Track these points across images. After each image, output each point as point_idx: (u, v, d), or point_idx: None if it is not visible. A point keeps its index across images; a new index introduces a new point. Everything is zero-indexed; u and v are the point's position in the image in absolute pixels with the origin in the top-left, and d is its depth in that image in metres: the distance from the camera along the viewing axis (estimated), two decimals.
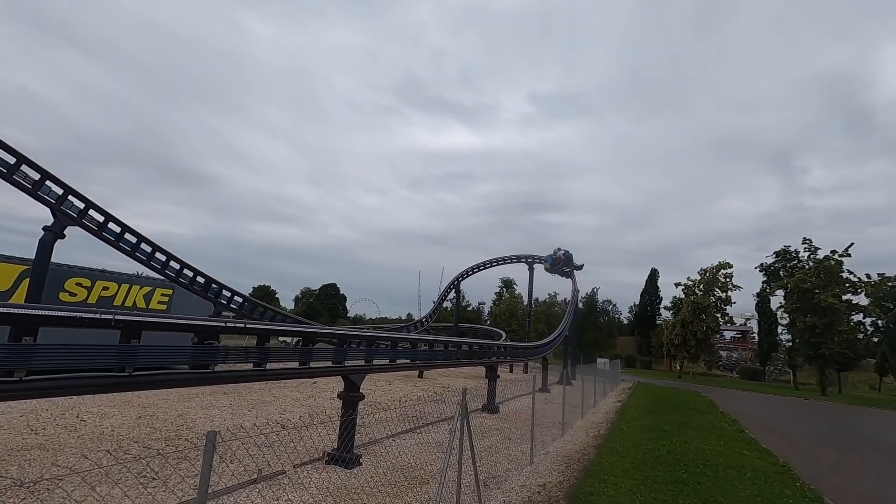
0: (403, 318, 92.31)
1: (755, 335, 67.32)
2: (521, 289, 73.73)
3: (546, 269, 39.04)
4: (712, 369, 63.67)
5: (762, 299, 59.88)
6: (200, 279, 18.11)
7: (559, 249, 39.18)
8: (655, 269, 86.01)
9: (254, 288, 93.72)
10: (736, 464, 9.84)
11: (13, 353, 3.88)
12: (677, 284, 58.72)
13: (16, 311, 3.86)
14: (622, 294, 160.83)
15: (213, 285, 18.57)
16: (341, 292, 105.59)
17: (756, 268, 57.42)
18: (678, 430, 13.80)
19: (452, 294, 41.94)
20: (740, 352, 75.84)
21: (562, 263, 38.59)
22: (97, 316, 4.46)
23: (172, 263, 17.19)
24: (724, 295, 54.22)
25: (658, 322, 77.16)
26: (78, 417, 9.91)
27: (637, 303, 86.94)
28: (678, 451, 10.61)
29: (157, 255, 16.71)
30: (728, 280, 54.20)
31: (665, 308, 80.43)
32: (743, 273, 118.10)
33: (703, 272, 55.69)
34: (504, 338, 36.05)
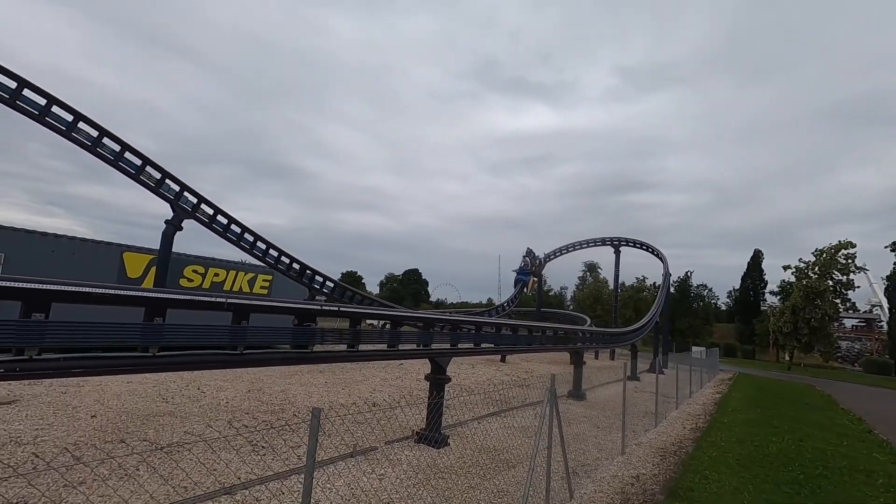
0: (484, 302, 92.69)
1: (883, 324, 58.95)
2: (606, 273, 70.80)
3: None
4: (829, 361, 56.90)
5: (893, 283, 52.24)
6: (296, 266, 19.43)
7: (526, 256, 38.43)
8: (759, 251, 78.24)
9: (342, 274, 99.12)
10: (864, 468, 8.72)
11: (148, 331, 4.40)
12: (786, 267, 52.78)
13: (149, 294, 4.39)
14: (719, 278, 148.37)
15: (308, 271, 19.84)
16: (423, 277, 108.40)
17: (887, 247, 50.08)
18: (790, 426, 12.53)
19: (533, 279, 41.29)
20: (864, 342, 66.94)
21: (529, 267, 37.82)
22: (212, 299, 4.93)
23: (272, 251, 18.60)
24: (844, 278, 47.96)
25: (762, 308, 70.30)
26: (199, 389, 11.12)
27: (737, 287, 79.83)
28: (792, 450, 9.63)
29: (259, 243, 18.16)
30: (850, 261, 47.77)
31: (771, 293, 72.90)
32: (870, 253, 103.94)
33: (819, 253, 49.48)
34: (589, 323, 34.85)
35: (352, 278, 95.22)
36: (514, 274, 39.17)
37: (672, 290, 43.04)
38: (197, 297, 4.86)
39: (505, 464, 7.40)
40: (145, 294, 4.41)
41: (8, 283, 3.51)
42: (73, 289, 3.80)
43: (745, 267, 78.15)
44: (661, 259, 35.71)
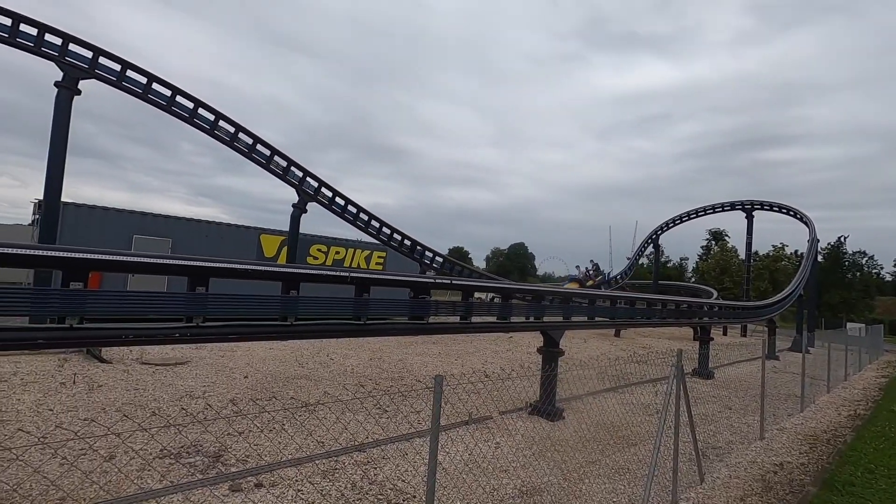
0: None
1: None
2: (735, 241, 63.59)
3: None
4: None
5: None
6: (407, 242, 20.32)
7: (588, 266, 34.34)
8: None
9: (449, 249, 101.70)
10: None
11: (287, 303, 4.91)
12: None
13: (286, 269, 4.89)
14: (883, 244, 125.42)
15: (418, 247, 20.65)
16: (529, 251, 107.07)
17: None
18: None
19: (650, 249, 38.58)
20: None
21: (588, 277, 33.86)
22: (338, 273, 5.34)
23: (385, 229, 19.65)
24: None
25: None
26: (328, 357, 12.27)
27: None
28: None
29: (373, 222, 19.27)
30: None
31: None
32: None
33: None
34: (715, 296, 31.72)
35: (459, 253, 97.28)
36: (628, 247, 37.20)
37: (820, 258, 37.32)
38: (326, 272, 5.31)
39: (624, 441, 7.12)
40: (282, 269, 4.93)
41: (181, 262, 4.13)
42: (225, 265, 4.36)
43: None
44: (806, 223, 31.07)
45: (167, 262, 4.18)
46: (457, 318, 6.88)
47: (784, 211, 32.84)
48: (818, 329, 31.38)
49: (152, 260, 4.19)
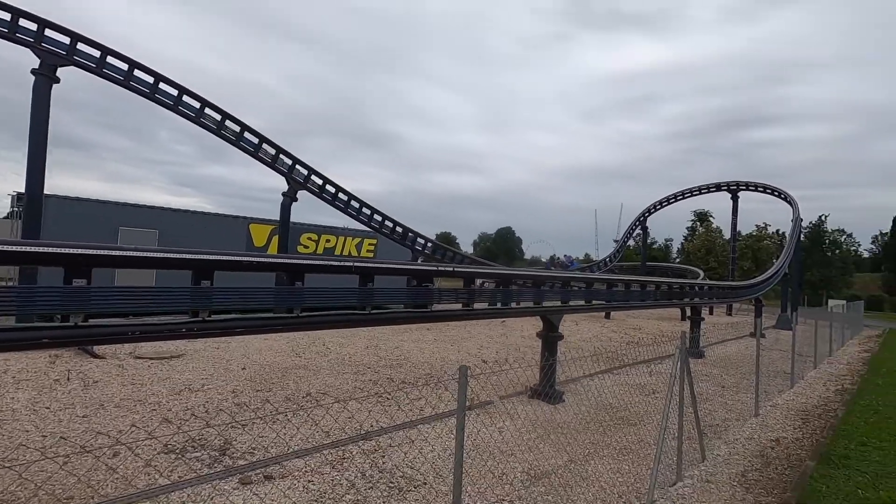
0: (581, 258, 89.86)
1: None
2: (719, 222, 64.50)
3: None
4: None
5: None
6: (399, 229, 20.19)
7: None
8: None
9: (436, 234, 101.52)
10: None
11: (291, 295, 4.84)
12: None
13: (292, 261, 4.81)
14: (862, 221, 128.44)
15: (410, 234, 20.55)
16: (516, 235, 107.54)
17: None
18: None
19: (637, 232, 38.96)
20: None
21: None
22: (342, 263, 5.28)
23: (376, 216, 19.47)
24: None
25: None
26: (324, 346, 12.22)
27: (885, 231, 68.69)
28: None
29: (364, 209, 19.08)
30: None
31: None
32: None
33: None
34: (702, 277, 32.25)
35: (445, 238, 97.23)
36: (613, 230, 37.40)
37: (802, 237, 38.09)
38: (331, 262, 5.24)
39: (624, 421, 7.24)
40: (289, 261, 4.85)
41: (182, 255, 4.04)
42: (233, 258, 4.27)
43: None
44: (790, 203, 31.57)
45: (172, 255, 4.07)
46: (459, 306, 6.88)
47: (769, 191, 33.34)
48: (801, 306, 32.16)
49: (156, 254, 4.08)
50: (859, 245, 72.04)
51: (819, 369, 13.08)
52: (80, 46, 12.58)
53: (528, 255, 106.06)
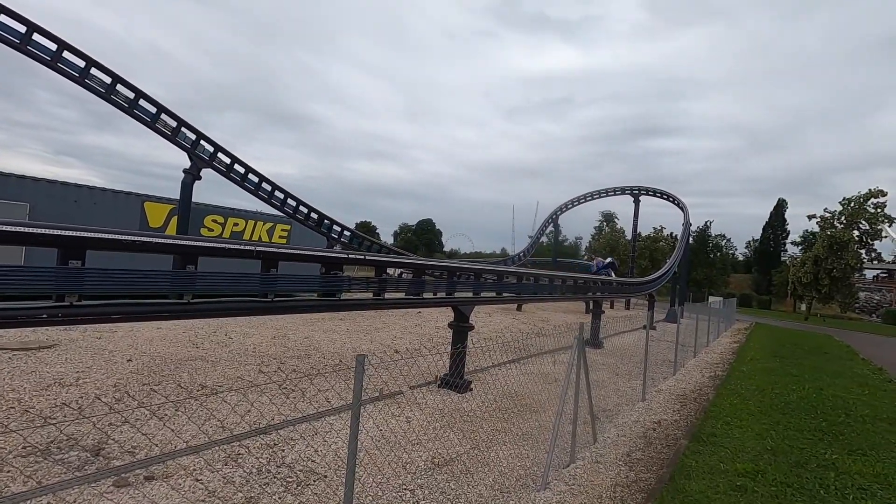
0: (497, 252, 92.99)
1: None
2: (624, 223, 69.94)
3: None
4: (846, 312, 56.48)
5: None
6: (314, 215, 19.43)
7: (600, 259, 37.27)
8: (783, 200, 76.36)
9: (356, 224, 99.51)
10: (888, 416, 8.75)
11: (182, 279, 4.42)
12: (811, 217, 51.39)
13: (182, 242, 4.38)
14: (740, 228, 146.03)
15: (326, 221, 19.87)
16: (437, 227, 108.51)
17: None
18: (810, 375, 12.57)
19: (550, 228, 40.99)
20: (884, 293, 66.04)
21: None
22: (243, 247, 4.92)
23: (290, 201, 18.56)
24: (871, 228, 46.64)
25: (783, 259, 69.39)
26: (227, 335, 11.45)
27: (757, 238, 78.57)
28: (812, 398, 9.69)
29: (277, 193, 18.10)
30: (879, 210, 46.24)
31: (793, 243, 71.56)
32: None
33: (847, 202, 47.90)
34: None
35: (366, 228, 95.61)
36: (529, 226, 38.90)
37: (691, 240, 42.46)
38: (227, 245, 4.84)
39: (527, 408, 7.57)
40: (178, 242, 4.40)
41: (45, 231, 3.50)
42: (110, 236, 3.79)
43: (769, 216, 76.64)
44: (681, 208, 34.97)
45: (33, 231, 3.51)
46: (370, 295, 6.74)
47: (664, 197, 36.66)
48: (687, 302, 35.79)
49: (9, 228, 3.47)
50: (736, 249, 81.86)
51: (697, 358, 14.63)
52: None
53: (447, 248, 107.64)
